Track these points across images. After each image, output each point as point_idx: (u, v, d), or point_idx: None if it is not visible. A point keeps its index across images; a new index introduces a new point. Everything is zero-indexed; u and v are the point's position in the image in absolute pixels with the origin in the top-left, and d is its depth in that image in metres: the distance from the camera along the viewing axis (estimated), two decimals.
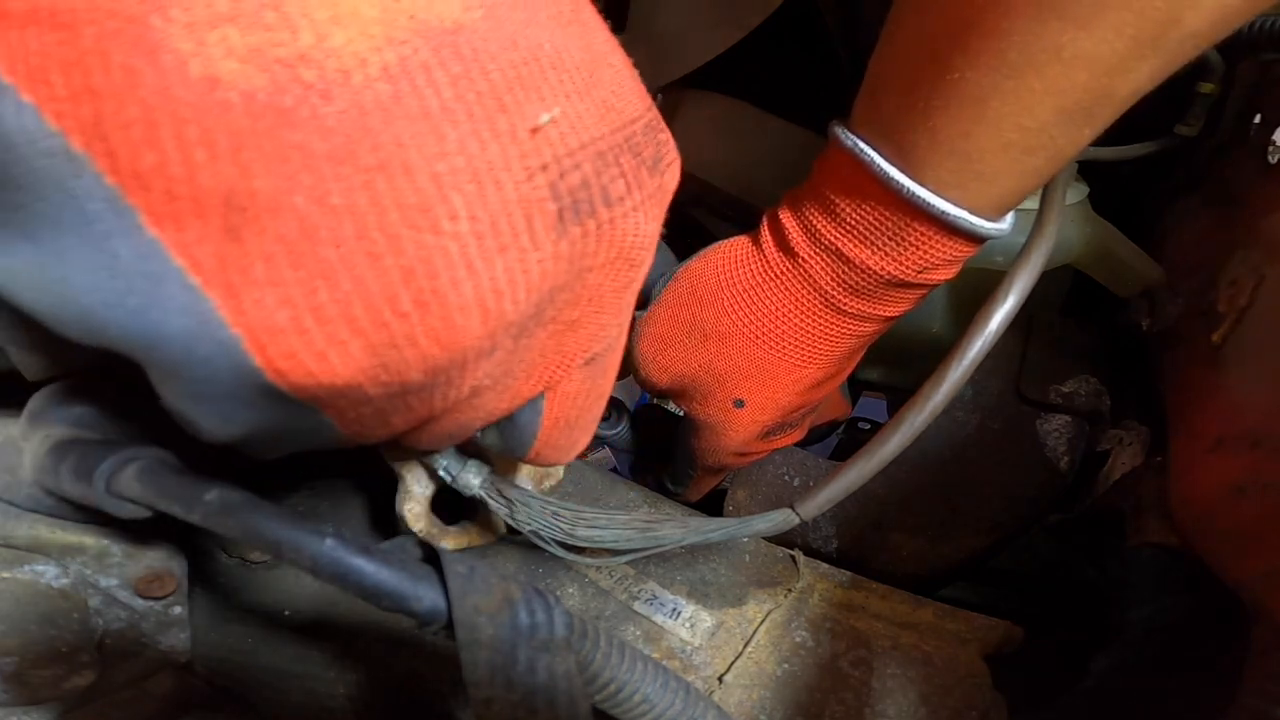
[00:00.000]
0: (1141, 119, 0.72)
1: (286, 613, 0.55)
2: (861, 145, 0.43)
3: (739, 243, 0.54)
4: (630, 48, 0.83)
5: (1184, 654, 0.55)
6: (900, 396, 0.78)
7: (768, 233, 0.52)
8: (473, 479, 0.48)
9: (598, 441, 0.74)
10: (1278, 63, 0.62)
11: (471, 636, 0.29)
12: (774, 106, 0.88)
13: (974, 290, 0.68)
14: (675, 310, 0.55)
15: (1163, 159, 0.70)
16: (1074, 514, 0.66)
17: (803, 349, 0.52)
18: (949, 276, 0.47)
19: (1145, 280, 0.62)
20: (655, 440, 0.76)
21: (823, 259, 0.48)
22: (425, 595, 0.30)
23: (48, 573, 0.41)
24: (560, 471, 0.57)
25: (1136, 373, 0.61)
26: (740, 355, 0.53)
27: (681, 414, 0.63)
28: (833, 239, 0.47)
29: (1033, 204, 0.61)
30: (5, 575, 0.40)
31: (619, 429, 0.72)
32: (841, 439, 1.00)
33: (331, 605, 0.55)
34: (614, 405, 0.72)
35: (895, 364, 0.82)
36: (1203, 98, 0.66)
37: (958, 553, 0.60)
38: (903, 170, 0.42)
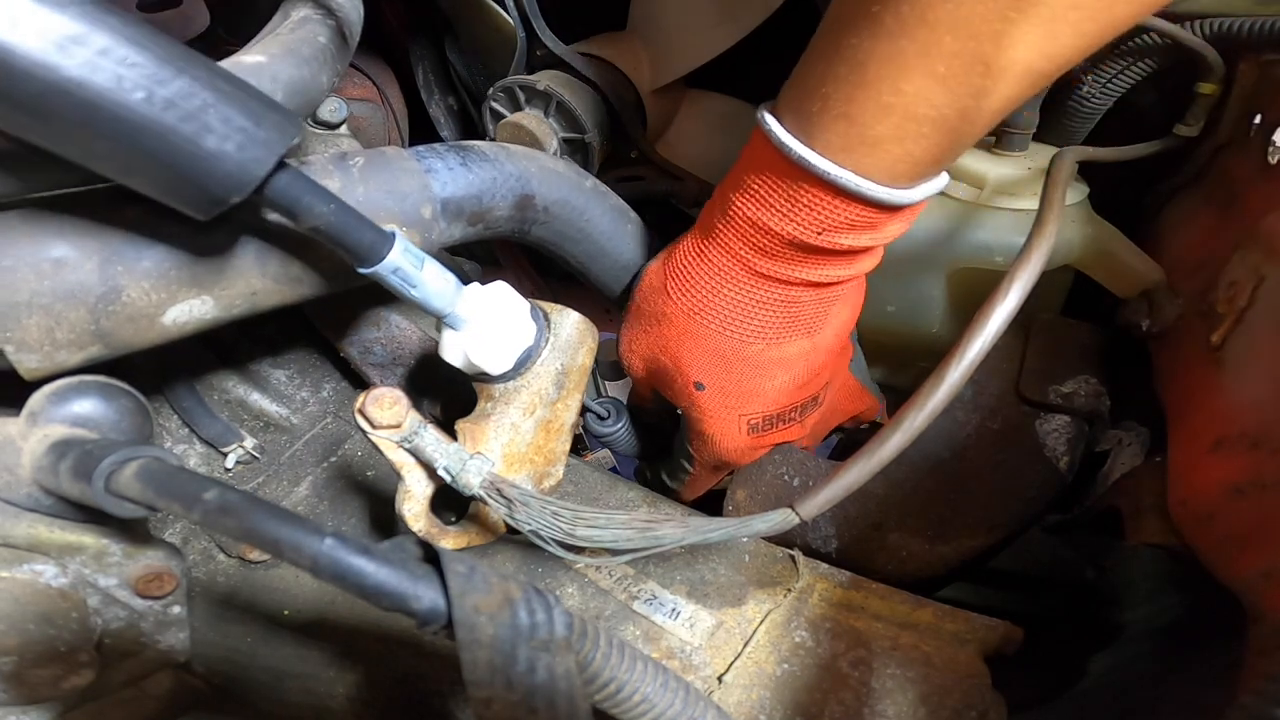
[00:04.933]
0: (1141, 119, 0.72)
1: (286, 612, 0.55)
2: (767, 120, 0.46)
3: (683, 237, 0.57)
4: (631, 46, 0.83)
5: (1181, 654, 0.55)
6: (900, 397, 0.78)
7: (696, 225, 0.56)
8: (473, 479, 0.48)
9: (596, 442, 0.74)
10: (1277, 63, 0.62)
11: (471, 636, 0.29)
12: None
13: (973, 290, 0.68)
14: (637, 303, 0.60)
15: (1162, 159, 0.70)
16: (1073, 514, 0.66)
17: (735, 319, 0.54)
18: (862, 243, 0.48)
19: (1145, 281, 0.62)
20: (652, 438, 0.76)
21: (734, 227, 0.51)
22: (425, 595, 0.30)
23: (47, 572, 0.41)
24: (560, 471, 0.57)
25: (1136, 373, 0.61)
26: (684, 333, 0.56)
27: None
28: (740, 208, 0.50)
29: (1032, 204, 0.61)
30: (4, 575, 0.40)
31: (618, 429, 0.71)
32: (841, 439, 1.00)
33: (331, 605, 0.55)
34: (613, 405, 0.71)
35: (895, 364, 0.82)
36: (1203, 98, 0.66)
37: (957, 553, 0.59)
38: (798, 138, 0.44)
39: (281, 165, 0.40)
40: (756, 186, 0.48)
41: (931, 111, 0.40)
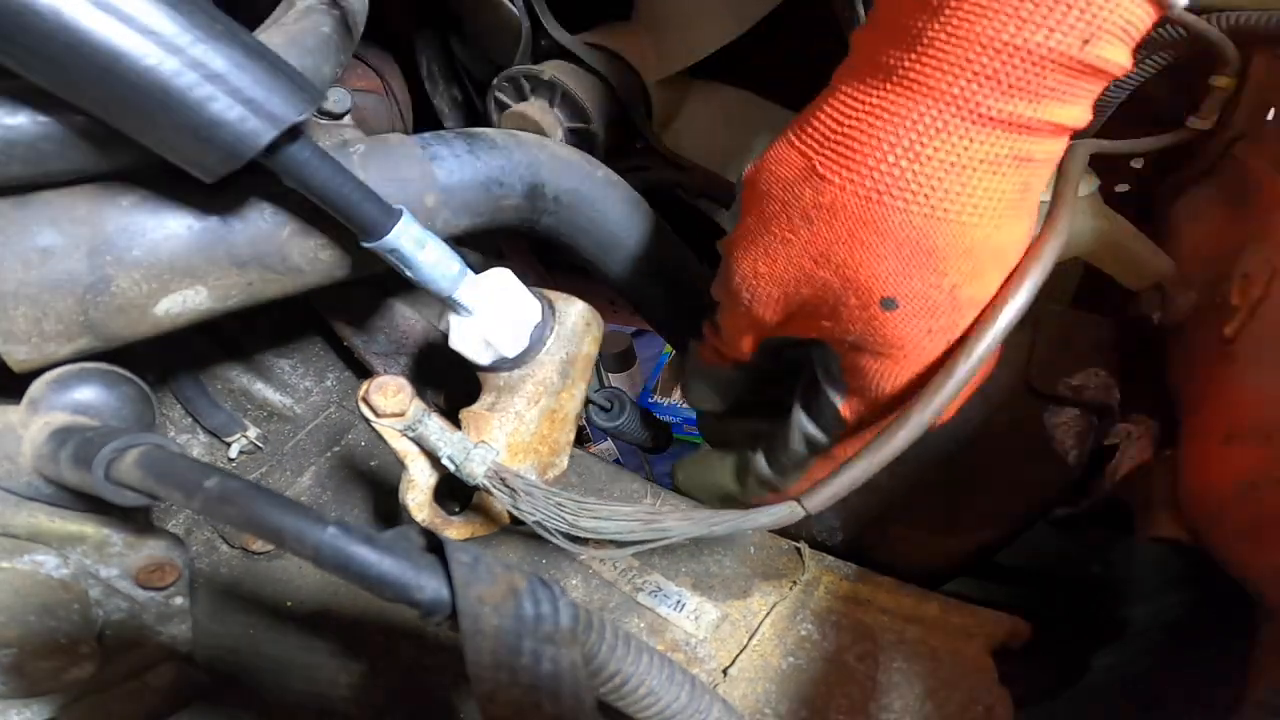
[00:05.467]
0: (1155, 111, 0.71)
1: (289, 603, 0.55)
2: None
3: (804, 111, 0.43)
4: (636, 36, 0.82)
5: (1187, 650, 0.55)
6: None
7: (843, 74, 0.41)
8: (477, 468, 0.48)
9: (600, 433, 0.73)
10: None
11: (475, 627, 0.29)
12: (780, 97, 0.87)
13: None
14: (760, 207, 0.43)
15: (1176, 152, 0.69)
16: (1080, 508, 0.66)
17: (949, 190, 0.38)
18: (1121, 63, 0.35)
19: (1156, 273, 0.62)
20: (660, 429, 0.75)
21: (942, 56, 0.36)
22: (428, 585, 0.29)
23: (48, 563, 0.41)
24: (564, 461, 0.57)
25: (1147, 366, 0.60)
26: (861, 225, 0.39)
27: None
28: (952, 26, 0.35)
29: (1044, 196, 0.61)
30: (5, 565, 0.40)
31: (621, 420, 0.71)
32: None
33: (334, 596, 0.55)
34: (616, 397, 0.71)
35: None
36: (1217, 91, 0.65)
37: (964, 546, 0.59)
38: None
39: (294, 134, 0.40)
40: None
41: None
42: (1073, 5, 0.33)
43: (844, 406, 0.48)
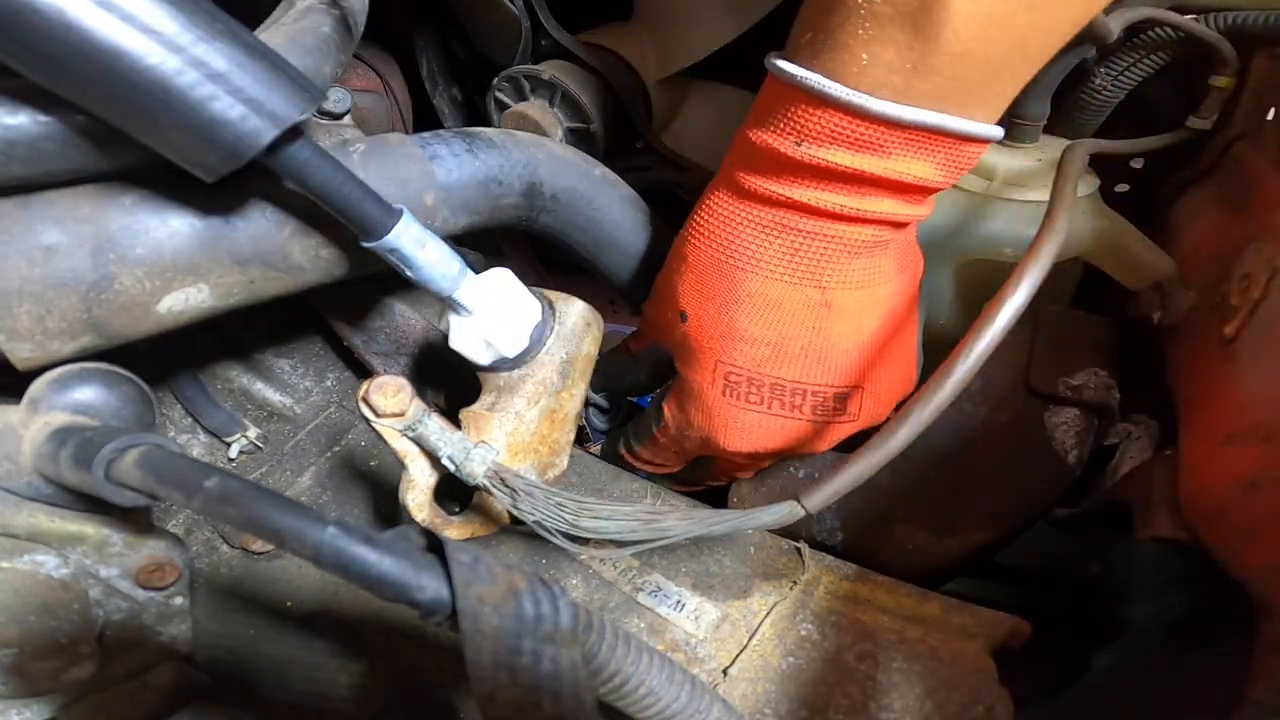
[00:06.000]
0: (1154, 112, 0.71)
1: (289, 604, 0.55)
2: (771, 58, 0.47)
3: None
4: (636, 36, 0.82)
5: (1186, 650, 0.55)
6: None
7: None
8: (477, 468, 0.48)
9: (597, 434, 0.73)
10: None
11: (475, 627, 0.29)
12: None
13: (982, 283, 0.67)
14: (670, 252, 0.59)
15: (1176, 152, 0.69)
16: (1081, 508, 0.66)
17: (726, 239, 0.52)
18: (851, 163, 0.45)
19: (1156, 273, 0.62)
20: None
21: (735, 150, 0.52)
22: (428, 585, 0.29)
23: (48, 563, 0.41)
24: (564, 461, 0.57)
25: (1146, 366, 0.60)
26: (679, 259, 0.55)
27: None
28: (742, 129, 0.50)
29: (1042, 196, 0.61)
30: (5, 565, 0.40)
31: (618, 423, 0.71)
32: None
33: (334, 597, 0.54)
34: (612, 399, 0.71)
35: None
36: (1217, 91, 0.65)
37: (964, 546, 0.59)
38: (782, 59, 0.46)
39: (294, 134, 0.40)
40: (755, 109, 0.49)
41: (888, 9, 0.40)
42: (786, 115, 0.46)
43: (665, 402, 0.60)
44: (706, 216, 0.53)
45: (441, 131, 0.55)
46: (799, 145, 0.46)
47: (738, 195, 0.51)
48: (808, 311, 0.51)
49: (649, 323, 0.61)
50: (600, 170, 0.62)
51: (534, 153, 0.57)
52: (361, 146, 0.50)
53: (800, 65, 0.44)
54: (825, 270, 0.50)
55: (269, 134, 0.38)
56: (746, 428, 0.55)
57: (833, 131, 0.45)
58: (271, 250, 0.46)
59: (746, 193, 0.50)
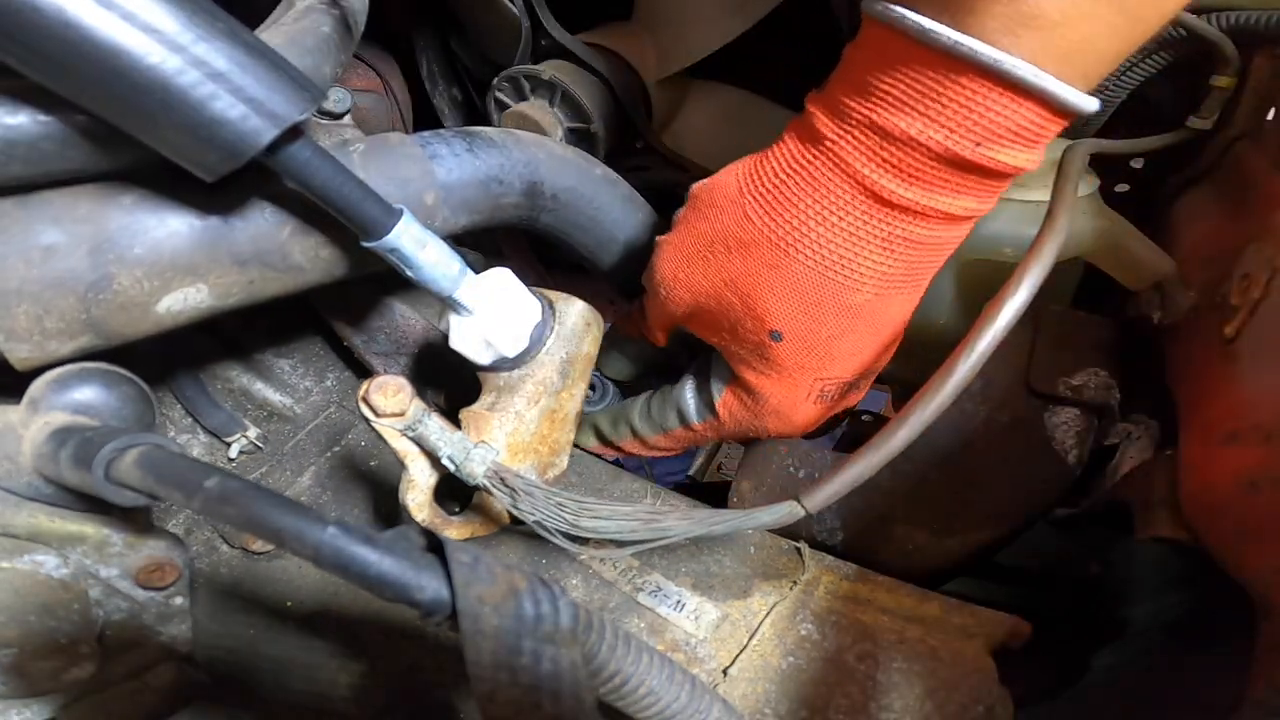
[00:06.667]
0: (1155, 112, 0.71)
1: (289, 604, 0.55)
2: (892, 8, 0.38)
3: (760, 152, 0.48)
4: (637, 36, 0.82)
5: (1186, 650, 0.55)
6: (907, 389, 0.77)
7: (791, 128, 0.46)
8: (477, 468, 0.47)
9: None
10: None
11: (475, 627, 0.29)
12: (780, 98, 0.87)
13: (983, 283, 0.67)
14: (695, 224, 0.50)
15: (1176, 151, 0.69)
16: (1081, 508, 0.66)
17: (843, 257, 0.44)
18: (1020, 162, 0.39)
19: (1157, 273, 0.62)
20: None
21: (855, 136, 0.41)
22: (428, 585, 0.29)
23: (48, 563, 0.41)
24: (564, 461, 0.57)
25: (1147, 366, 0.60)
26: (768, 266, 0.46)
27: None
28: (865, 111, 0.40)
29: (1043, 195, 0.61)
30: (5, 565, 0.40)
31: (606, 404, 0.71)
32: (846, 431, 0.99)
33: (334, 597, 0.54)
34: (599, 381, 0.70)
35: (901, 356, 0.82)
36: (1217, 91, 0.65)
37: (964, 546, 0.59)
38: (944, 23, 0.36)
39: (294, 134, 0.40)
40: (889, 87, 0.39)
41: None
42: (969, 107, 0.37)
43: (720, 402, 0.56)
44: (815, 225, 0.44)
45: (442, 131, 0.55)
46: (978, 145, 0.38)
47: (868, 205, 0.42)
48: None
49: (684, 320, 0.55)
50: (601, 170, 0.62)
51: (535, 152, 0.57)
52: (361, 146, 0.50)
53: (983, 40, 0.35)
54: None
55: (269, 134, 0.38)
56: (815, 421, 0.55)
57: (1024, 127, 0.38)
58: (271, 250, 0.46)
59: (884, 202, 0.42)
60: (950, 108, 0.38)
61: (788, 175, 0.45)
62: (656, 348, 0.63)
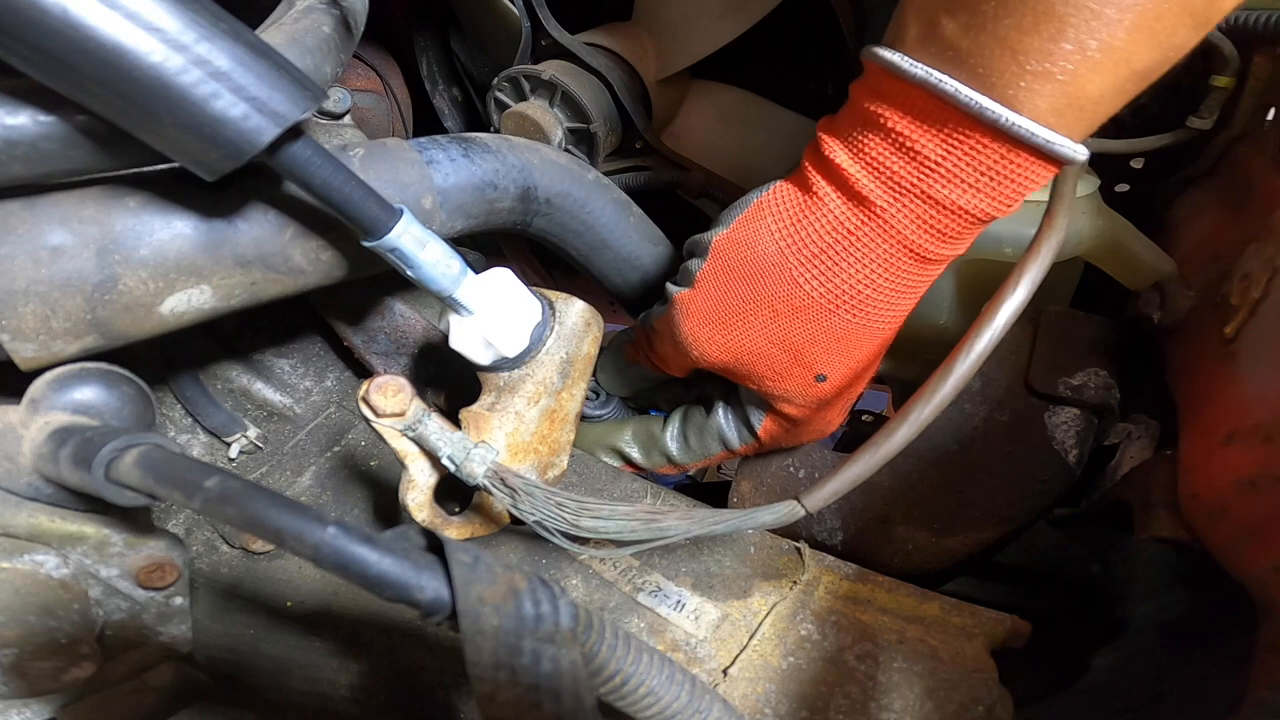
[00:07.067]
0: (1154, 111, 0.71)
1: (289, 604, 0.55)
2: (944, 80, 0.39)
3: (785, 196, 0.49)
4: (637, 36, 0.82)
5: (1186, 650, 0.55)
6: (906, 389, 0.77)
7: (822, 180, 0.47)
8: (476, 468, 0.47)
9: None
10: None
11: (475, 627, 0.29)
12: (781, 98, 0.88)
13: (982, 282, 0.67)
14: (728, 284, 0.50)
15: (1176, 151, 0.69)
16: (1081, 508, 0.66)
17: (887, 310, 0.48)
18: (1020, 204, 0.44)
19: (1156, 273, 0.62)
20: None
21: (908, 206, 0.43)
22: (429, 585, 0.29)
23: (48, 563, 0.41)
24: (564, 461, 0.57)
25: (1147, 366, 0.60)
26: (819, 327, 0.49)
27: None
28: (917, 181, 0.42)
29: (1042, 196, 0.61)
30: (5, 565, 0.40)
31: (607, 410, 0.71)
32: (846, 431, 0.99)
33: (334, 596, 0.54)
34: (598, 388, 0.71)
35: (901, 356, 0.82)
36: (1217, 90, 0.65)
37: (964, 546, 0.59)
38: (991, 98, 0.38)
39: (295, 133, 0.40)
40: (939, 158, 0.41)
41: (1140, 67, 0.37)
42: (1014, 180, 0.41)
43: (762, 429, 0.59)
44: (864, 287, 0.47)
45: (438, 137, 0.55)
46: (1010, 206, 0.42)
47: (910, 263, 0.46)
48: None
49: (719, 371, 0.56)
50: (593, 175, 0.62)
51: (528, 158, 0.57)
52: (360, 151, 0.50)
53: (1036, 121, 0.38)
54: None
55: (271, 132, 0.38)
56: (839, 424, 0.60)
57: (1041, 182, 0.42)
58: (273, 252, 0.47)
59: (922, 259, 0.46)
60: (1002, 183, 0.41)
61: (837, 239, 0.46)
62: (661, 378, 0.65)
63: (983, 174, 0.41)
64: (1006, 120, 0.38)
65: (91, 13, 0.33)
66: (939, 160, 0.41)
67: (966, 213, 0.43)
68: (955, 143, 0.41)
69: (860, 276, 0.46)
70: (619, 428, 0.68)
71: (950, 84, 0.39)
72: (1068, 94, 0.37)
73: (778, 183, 0.50)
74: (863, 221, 0.45)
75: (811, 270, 0.47)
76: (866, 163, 0.44)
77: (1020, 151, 0.40)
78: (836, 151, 0.45)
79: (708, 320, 0.52)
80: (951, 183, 0.42)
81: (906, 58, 0.40)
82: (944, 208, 0.43)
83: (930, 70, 0.39)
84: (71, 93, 0.36)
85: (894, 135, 0.42)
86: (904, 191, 0.43)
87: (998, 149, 0.40)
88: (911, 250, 0.45)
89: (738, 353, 0.52)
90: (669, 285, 0.55)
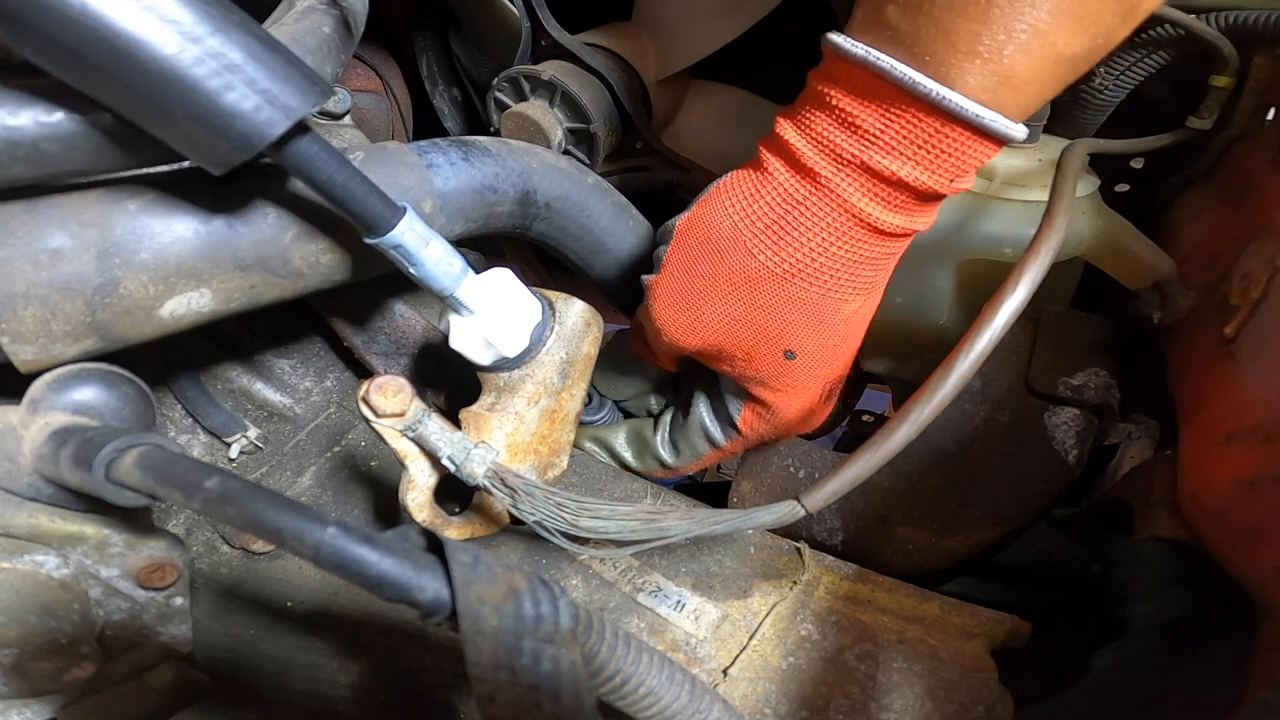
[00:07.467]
0: (1154, 112, 0.71)
1: (289, 604, 0.55)
2: (880, 57, 0.41)
3: (740, 178, 0.51)
4: (637, 36, 0.82)
5: (1187, 650, 0.55)
6: (905, 389, 0.77)
7: (773, 158, 0.49)
8: (477, 468, 0.48)
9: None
10: None
11: (475, 627, 0.29)
12: (781, 98, 0.87)
13: (982, 282, 0.67)
14: (690, 264, 0.52)
15: (1176, 151, 0.69)
16: (1081, 508, 0.66)
17: (841, 277, 0.49)
18: (970, 186, 0.46)
19: (1156, 273, 0.62)
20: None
21: (850, 176, 0.45)
22: (429, 585, 0.29)
23: (48, 563, 0.41)
24: (564, 462, 0.57)
25: (1146, 366, 0.60)
26: (778, 297, 0.50)
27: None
28: (858, 153, 0.44)
29: (1042, 196, 0.61)
30: (5, 566, 0.40)
31: (602, 415, 0.71)
32: (846, 431, 0.99)
33: (334, 597, 0.55)
34: (596, 391, 0.71)
35: (901, 356, 0.82)
36: (1217, 90, 0.65)
37: (964, 546, 0.59)
38: (931, 78, 0.41)
39: (302, 129, 0.40)
40: (879, 132, 0.43)
41: (1068, 51, 0.39)
42: (951, 154, 0.43)
43: (741, 420, 0.59)
44: (818, 255, 0.48)
45: (438, 140, 0.55)
46: (953, 182, 0.44)
47: (863, 232, 0.47)
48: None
49: (697, 357, 0.57)
50: (592, 179, 0.62)
51: (528, 161, 0.57)
52: (360, 154, 0.50)
53: (968, 98, 0.40)
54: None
55: (282, 125, 0.38)
56: (825, 417, 0.61)
57: (982, 161, 0.44)
58: (273, 256, 0.47)
59: (876, 230, 0.47)
60: (937, 155, 0.43)
61: (787, 210, 0.48)
62: (660, 374, 0.67)
63: (920, 146, 0.43)
64: (938, 94, 0.40)
65: (110, 4, 0.33)
66: (878, 133, 0.43)
67: (906, 184, 0.44)
68: (893, 116, 0.43)
69: (813, 245, 0.48)
70: (613, 431, 0.69)
71: (887, 61, 0.41)
72: (998, 73, 0.40)
73: (737, 171, 0.52)
74: (810, 193, 0.47)
75: (765, 241, 0.49)
76: (811, 137, 0.46)
77: (954, 125, 0.42)
78: (787, 129, 0.48)
79: (674, 303, 0.53)
80: (890, 154, 0.44)
81: (849, 39, 0.43)
82: (884, 179, 0.44)
83: (870, 49, 0.42)
84: (83, 84, 0.36)
85: (837, 111, 0.45)
86: (846, 163, 0.45)
87: (932, 122, 0.42)
88: (861, 220, 0.46)
89: (704, 333, 0.53)
90: (643, 276, 0.56)
